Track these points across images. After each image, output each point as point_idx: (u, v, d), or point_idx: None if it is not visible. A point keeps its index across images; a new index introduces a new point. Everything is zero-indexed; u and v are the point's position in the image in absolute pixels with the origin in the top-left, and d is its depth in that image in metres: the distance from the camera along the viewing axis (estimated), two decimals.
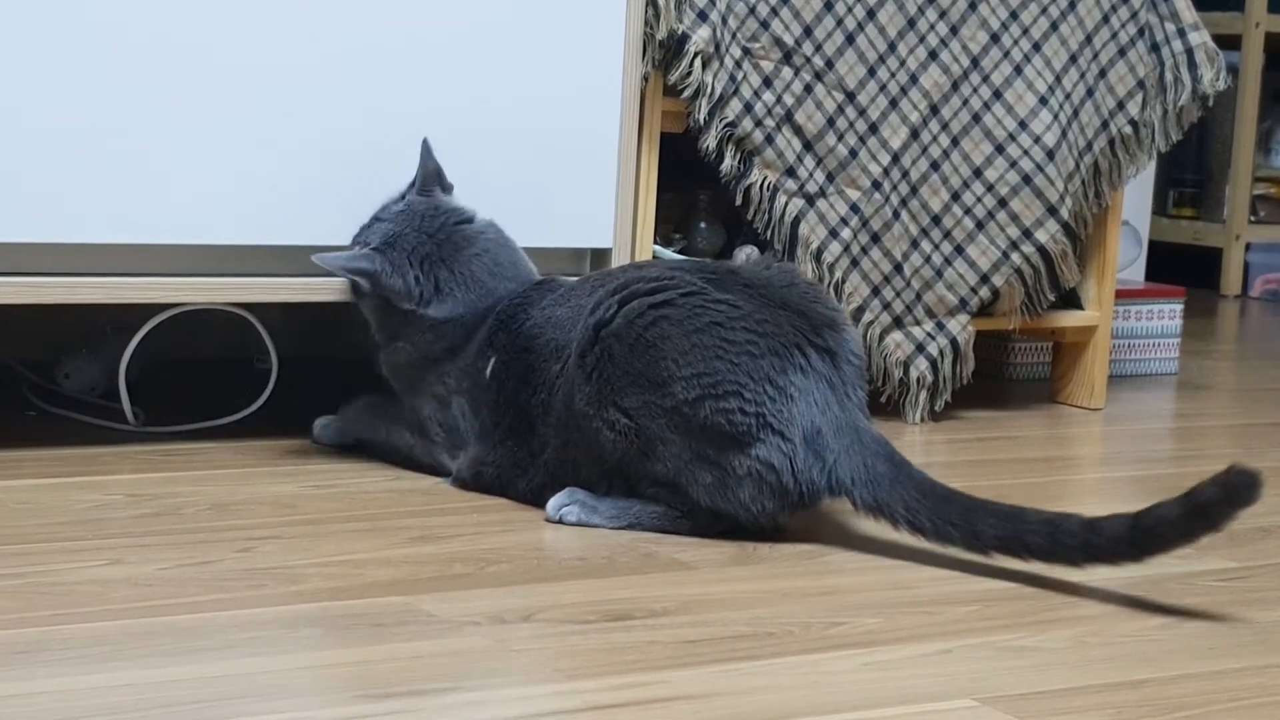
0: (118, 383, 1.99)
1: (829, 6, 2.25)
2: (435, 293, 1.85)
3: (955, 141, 2.35)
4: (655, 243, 2.21)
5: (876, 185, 2.30)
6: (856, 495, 1.65)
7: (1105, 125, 2.44)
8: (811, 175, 2.27)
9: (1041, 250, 2.39)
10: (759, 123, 2.23)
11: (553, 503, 1.72)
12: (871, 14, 2.28)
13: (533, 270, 1.93)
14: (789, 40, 2.23)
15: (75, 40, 1.80)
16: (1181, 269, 4.07)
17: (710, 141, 2.21)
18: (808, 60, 2.24)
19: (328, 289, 1.93)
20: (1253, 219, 4.33)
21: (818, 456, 1.65)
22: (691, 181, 2.38)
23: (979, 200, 2.36)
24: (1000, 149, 2.36)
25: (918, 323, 2.36)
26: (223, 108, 1.87)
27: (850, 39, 2.27)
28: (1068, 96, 2.39)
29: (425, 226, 1.87)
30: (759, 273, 1.76)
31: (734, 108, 2.21)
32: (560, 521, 1.70)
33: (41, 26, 1.78)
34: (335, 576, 1.50)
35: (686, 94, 2.18)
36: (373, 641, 1.34)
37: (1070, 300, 2.53)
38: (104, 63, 1.81)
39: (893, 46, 2.29)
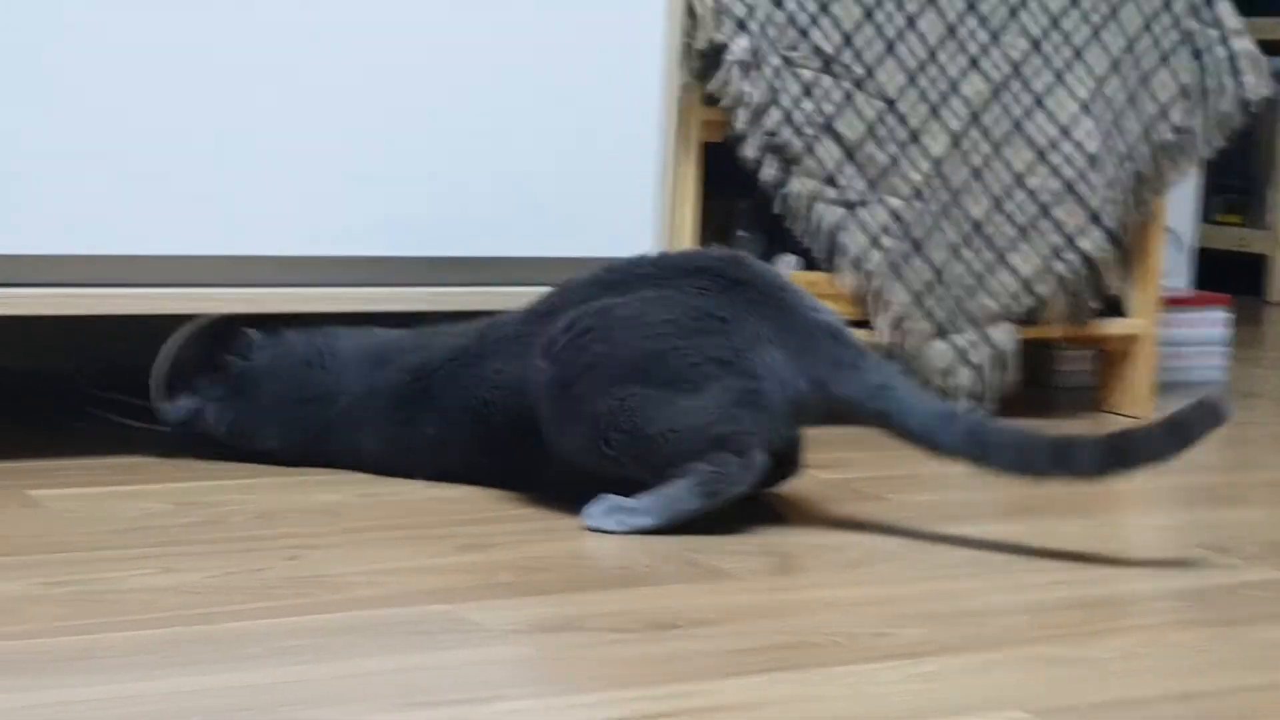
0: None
1: (869, 15, 2.25)
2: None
3: (997, 149, 2.34)
4: None
5: (918, 193, 2.29)
6: (833, 389, 1.73)
7: (1148, 132, 2.43)
8: (852, 184, 2.27)
9: (1085, 258, 2.38)
10: (799, 131, 2.23)
11: (591, 511, 1.72)
12: (912, 22, 2.27)
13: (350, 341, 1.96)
14: (828, 49, 2.23)
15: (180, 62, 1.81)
16: (1227, 276, 4.04)
17: (750, 150, 2.21)
18: (847, 69, 2.24)
19: (378, 299, 1.94)
20: None
21: (782, 362, 1.72)
22: (732, 190, 2.38)
23: (1021, 208, 2.36)
24: (1042, 156, 2.36)
25: (960, 331, 2.35)
26: (277, 124, 1.88)
27: (890, 47, 2.26)
28: (1110, 104, 2.38)
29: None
30: (658, 259, 1.85)
31: (774, 117, 2.21)
32: (601, 530, 1.70)
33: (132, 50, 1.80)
34: (380, 585, 1.50)
35: (726, 103, 2.18)
36: (418, 650, 1.34)
37: (1114, 308, 2.52)
38: (194, 83, 1.83)
39: (933, 54, 2.29)
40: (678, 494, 1.70)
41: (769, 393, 1.72)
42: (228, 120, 1.87)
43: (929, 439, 1.72)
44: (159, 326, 2.11)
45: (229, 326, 1.96)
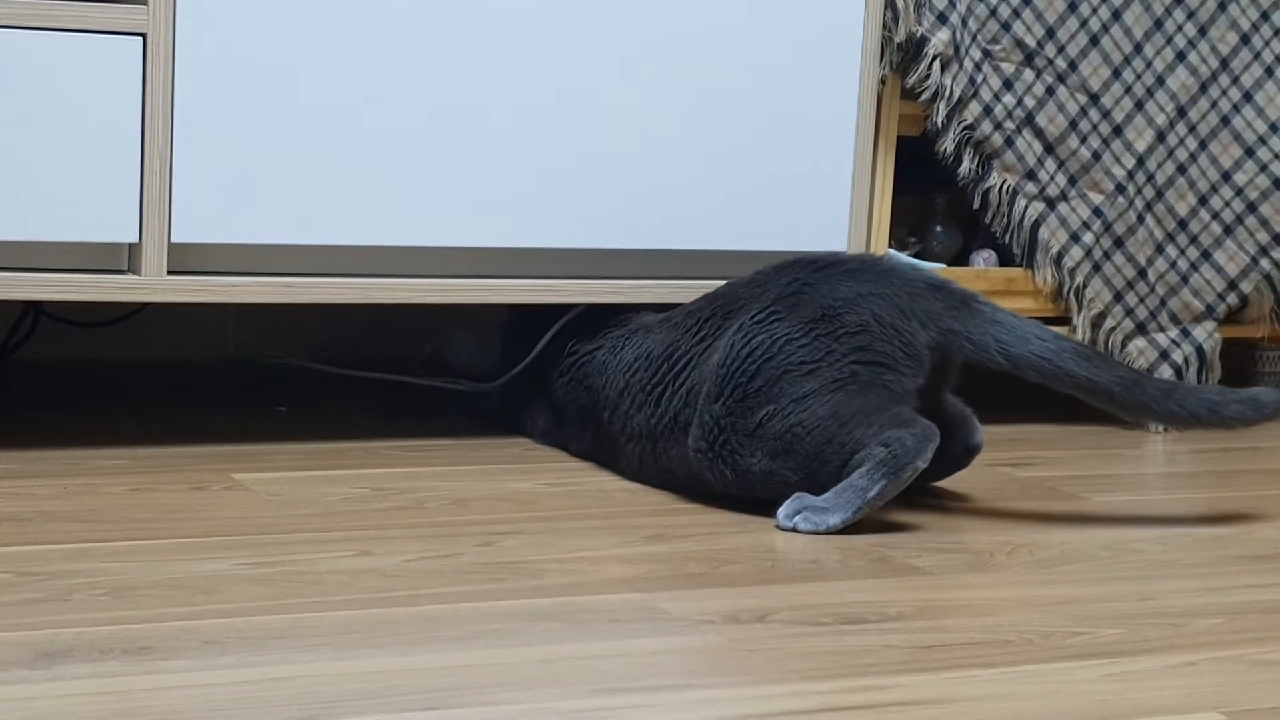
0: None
1: (1073, 8, 2.21)
2: None
3: (1203, 144, 2.30)
4: (890, 246, 2.20)
5: (1120, 189, 2.26)
6: (945, 324, 1.77)
7: None
8: (1053, 178, 2.24)
9: None
10: (999, 125, 2.20)
11: (783, 512, 1.71)
12: (1117, 15, 2.24)
13: None
14: (1031, 42, 2.20)
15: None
16: None
17: (948, 144, 2.20)
18: (1050, 62, 2.21)
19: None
20: None
21: (889, 310, 1.76)
22: (928, 184, 2.36)
23: (1227, 204, 2.31)
24: (1250, 152, 2.30)
25: (1162, 329, 2.31)
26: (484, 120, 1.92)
27: (1094, 40, 2.23)
28: None
29: None
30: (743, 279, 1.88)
31: (973, 110, 2.19)
32: (795, 530, 1.70)
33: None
34: (573, 572, 1.52)
35: (924, 97, 2.17)
36: (610, 637, 1.35)
37: None
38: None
39: (1139, 48, 2.25)
40: (860, 489, 1.69)
41: (879, 335, 1.74)
42: (452, 119, 1.91)
43: (1042, 366, 1.76)
44: (345, 314, 2.15)
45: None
